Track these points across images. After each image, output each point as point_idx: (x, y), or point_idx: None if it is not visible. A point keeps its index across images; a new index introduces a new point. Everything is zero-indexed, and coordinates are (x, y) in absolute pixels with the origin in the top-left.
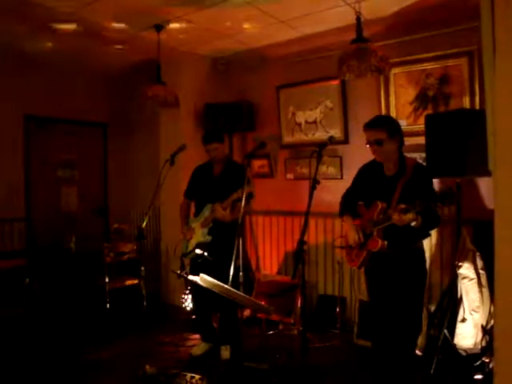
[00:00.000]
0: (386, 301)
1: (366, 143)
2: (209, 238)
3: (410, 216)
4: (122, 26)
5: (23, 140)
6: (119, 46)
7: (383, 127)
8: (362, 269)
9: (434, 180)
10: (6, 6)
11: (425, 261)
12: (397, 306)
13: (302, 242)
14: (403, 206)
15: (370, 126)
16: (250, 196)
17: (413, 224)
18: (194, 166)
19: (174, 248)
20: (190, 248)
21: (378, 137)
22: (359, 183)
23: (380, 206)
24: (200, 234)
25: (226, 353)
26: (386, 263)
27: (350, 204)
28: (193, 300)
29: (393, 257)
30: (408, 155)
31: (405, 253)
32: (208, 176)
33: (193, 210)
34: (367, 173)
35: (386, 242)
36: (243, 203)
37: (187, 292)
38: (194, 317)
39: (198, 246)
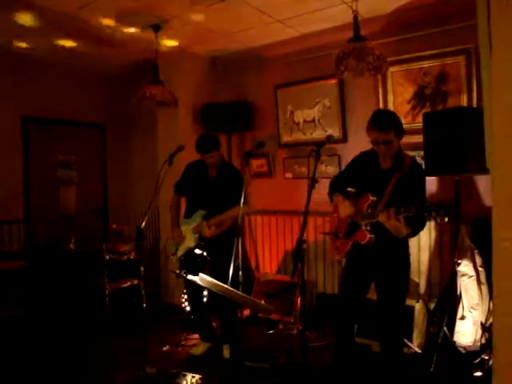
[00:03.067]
0: (360, 290)
1: (372, 142)
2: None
3: (397, 225)
4: (119, 26)
5: (22, 141)
6: (117, 47)
7: (392, 128)
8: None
9: (432, 178)
10: (4, 5)
11: (408, 253)
12: (381, 297)
13: (301, 241)
14: (393, 209)
15: (380, 128)
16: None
17: (401, 236)
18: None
19: (163, 246)
20: (181, 252)
21: (387, 138)
22: (352, 171)
23: (370, 200)
24: (192, 240)
25: (227, 352)
26: (369, 253)
27: (339, 185)
28: (188, 300)
29: (376, 248)
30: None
31: (388, 245)
32: (203, 176)
33: (183, 207)
34: (363, 162)
35: (373, 236)
36: (241, 204)
37: (185, 291)
38: (192, 317)
39: (191, 249)
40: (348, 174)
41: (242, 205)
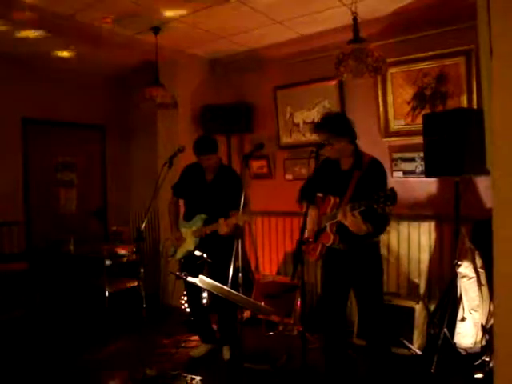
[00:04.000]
0: (340, 295)
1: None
2: (198, 252)
3: (353, 221)
4: (119, 28)
5: (22, 143)
6: (117, 49)
7: (325, 129)
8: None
9: (432, 180)
10: (3, 8)
11: (380, 255)
12: (359, 301)
13: (301, 243)
14: (349, 204)
15: (315, 128)
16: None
17: (361, 234)
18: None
19: (164, 249)
20: (180, 255)
21: (322, 138)
22: (317, 175)
23: (332, 201)
24: (191, 243)
25: (227, 353)
26: (342, 258)
27: (307, 192)
28: (188, 302)
29: (348, 252)
30: (399, 155)
31: (359, 248)
32: (200, 179)
33: (182, 209)
34: (325, 165)
35: (337, 237)
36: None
37: (185, 293)
38: (192, 318)
39: (190, 252)
40: (315, 179)
41: (241, 211)
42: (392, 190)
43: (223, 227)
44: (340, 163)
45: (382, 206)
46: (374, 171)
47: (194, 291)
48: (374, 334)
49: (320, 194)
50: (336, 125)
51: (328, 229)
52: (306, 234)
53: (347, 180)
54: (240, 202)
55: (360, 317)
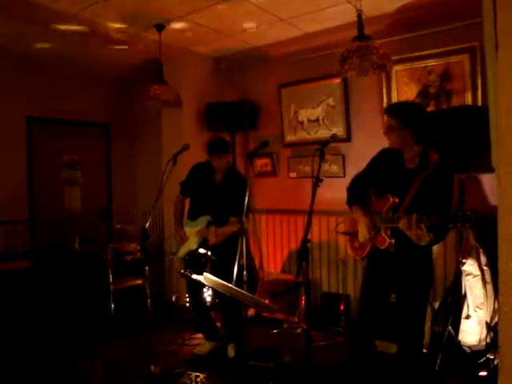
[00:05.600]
0: (381, 298)
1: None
2: (201, 250)
3: (419, 232)
4: (123, 26)
5: (26, 142)
6: (121, 47)
7: (395, 115)
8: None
9: None
10: (8, 6)
11: (432, 261)
12: (401, 306)
13: (305, 241)
14: (415, 217)
15: (386, 110)
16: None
17: (422, 243)
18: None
19: (165, 242)
20: (181, 254)
21: (389, 123)
22: (374, 169)
23: (391, 202)
24: (194, 242)
25: (232, 351)
26: (392, 261)
27: (359, 190)
28: (189, 300)
29: (399, 255)
30: None
31: (411, 253)
32: (209, 180)
33: (187, 206)
34: (385, 159)
35: (393, 241)
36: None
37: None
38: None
39: (192, 251)
40: (369, 173)
41: (244, 217)
42: (474, 211)
43: (212, 236)
44: (404, 159)
45: (459, 226)
46: (441, 175)
47: (196, 289)
48: (410, 341)
49: (373, 189)
50: (407, 113)
51: (383, 231)
52: (350, 229)
53: (410, 181)
54: (243, 208)
55: (398, 320)
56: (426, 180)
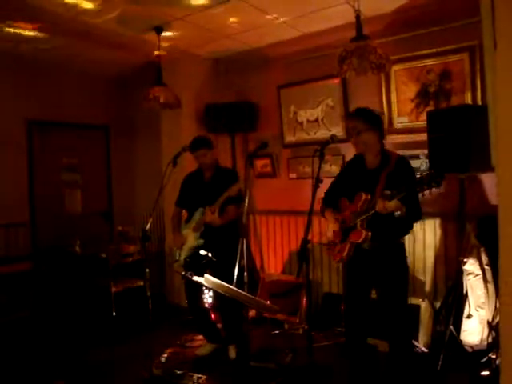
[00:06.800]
0: (362, 295)
1: (346, 132)
2: (201, 242)
3: (394, 204)
4: (122, 29)
5: (27, 145)
6: (120, 49)
7: (361, 117)
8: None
9: None
10: (7, 9)
11: (406, 256)
12: (382, 302)
13: (305, 241)
14: (388, 192)
15: (349, 116)
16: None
17: (397, 214)
18: (196, 167)
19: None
20: (185, 254)
21: (356, 127)
22: (342, 179)
23: (364, 197)
24: (193, 239)
25: (233, 352)
26: (366, 258)
27: (332, 200)
28: (188, 302)
29: (374, 252)
30: (403, 152)
31: (386, 248)
32: (199, 182)
33: (184, 217)
34: (350, 168)
35: (369, 233)
36: (246, 202)
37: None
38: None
39: (194, 249)
40: (339, 184)
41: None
42: (433, 171)
43: (208, 214)
44: (366, 162)
45: (426, 188)
46: (403, 168)
47: (194, 292)
48: (397, 335)
49: (345, 198)
50: (370, 115)
51: (359, 225)
52: (327, 239)
53: (376, 177)
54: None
55: (382, 316)
56: (390, 175)
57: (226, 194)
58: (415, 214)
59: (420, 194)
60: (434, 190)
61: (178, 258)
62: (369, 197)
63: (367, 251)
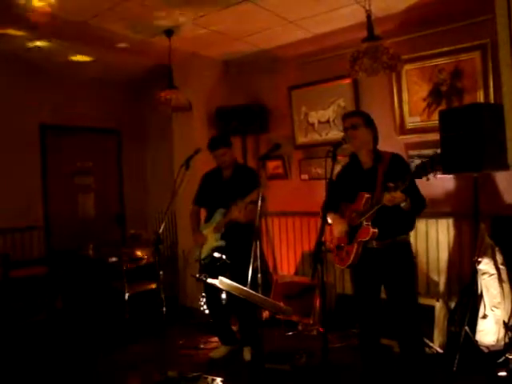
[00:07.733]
0: (372, 294)
1: (343, 130)
2: (222, 243)
3: (399, 195)
4: (132, 33)
5: (40, 149)
6: (131, 53)
7: (359, 115)
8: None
9: (450, 176)
10: (18, 16)
11: (412, 254)
12: (391, 301)
13: (320, 243)
14: (391, 184)
15: (347, 115)
16: (263, 198)
17: (403, 205)
18: (209, 169)
19: (186, 254)
20: (204, 254)
21: (353, 122)
22: (340, 183)
23: (365, 196)
24: (213, 240)
25: (248, 354)
26: (373, 257)
27: (332, 207)
28: (207, 304)
29: (381, 251)
30: (401, 153)
31: (393, 247)
32: (218, 181)
33: (203, 216)
34: (346, 171)
35: (376, 230)
36: (259, 204)
37: (203, 295)
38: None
39: (214, 250)
40: (337, 188)
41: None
42: (435, 154)
43: (234, 211)
44: (361, 163)
45: (430, 172)
46: (398, 164)
47: (213, 293)
48: (406, 333)
49: (344, 203)
50: (367, 115)
51: (364, 224)
52: (332, 243)
53: (373, 176)
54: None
55: (392, 316)
56: (386, 173)
57: (248, 199)
58: (420, 202)
59: (425, 179)
60: (438, 174)
61: (198, 256)
62: (369, 195)
63: (374, 251)
